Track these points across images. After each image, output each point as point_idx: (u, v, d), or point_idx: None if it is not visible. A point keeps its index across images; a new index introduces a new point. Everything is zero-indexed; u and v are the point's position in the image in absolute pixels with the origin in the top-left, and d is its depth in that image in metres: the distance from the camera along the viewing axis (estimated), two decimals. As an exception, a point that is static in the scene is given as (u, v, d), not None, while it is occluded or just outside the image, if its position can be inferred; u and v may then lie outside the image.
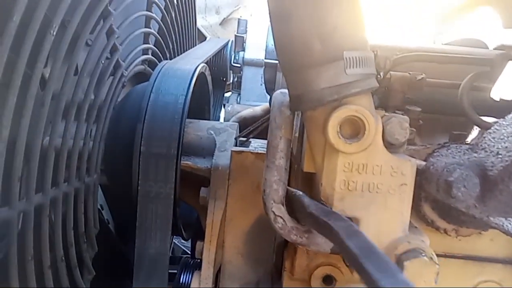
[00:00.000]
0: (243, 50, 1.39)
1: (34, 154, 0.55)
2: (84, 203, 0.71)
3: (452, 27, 1.40)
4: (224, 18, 2.07)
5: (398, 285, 0.33)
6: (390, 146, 0.56)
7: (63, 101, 0.62)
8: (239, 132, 0.98)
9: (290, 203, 0.60)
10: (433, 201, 0.62)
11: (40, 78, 0.54)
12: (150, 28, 1.02)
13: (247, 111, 1.17)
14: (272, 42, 1.47)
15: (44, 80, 0.58)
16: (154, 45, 1.06)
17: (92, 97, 0.72)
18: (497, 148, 0.51)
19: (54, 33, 0.56)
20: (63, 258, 0.64)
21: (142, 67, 0.98)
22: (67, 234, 0.66)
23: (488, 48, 1.00)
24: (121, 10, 0.80)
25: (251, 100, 1.31)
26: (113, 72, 0.81)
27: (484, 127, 0.67)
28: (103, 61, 0.74)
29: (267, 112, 1.13)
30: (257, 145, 0.90)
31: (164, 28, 1.12)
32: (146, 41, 1.01)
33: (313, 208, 0.54)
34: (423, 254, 0.49)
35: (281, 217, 0.58)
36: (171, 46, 1.18)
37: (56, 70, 0.58)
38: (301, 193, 0.61)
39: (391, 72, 0.74)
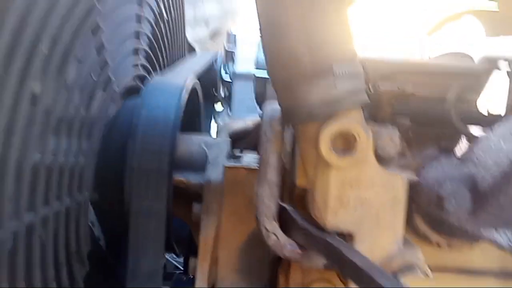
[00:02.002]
0: (233, 63, 1.39)
1: (25, 171, 0.54)
2: (76, 221, 0.70)
3: (437, 41, 1.42)
4: (214, 32, 2.09)
5: None
6: (381, 160, 0.57)
7: (54, 117, 0.61)
8: (231, 145, 0.97)
9: (282, 218, 0.61)
10: (425, 214, 0.62)
11: (30, 94, 0.54)
12: (140, 42, 1.02)
13: (238, 125, 1.17)
14: (262, 56, 1.48)
15: (34, 96, 0.57)
16: (145, 59, 1.06)
17: (84, 113, 0.72)
18: (487, 162, 0.52)
19: (45, 50, 0.55)
20: (54, 277, 0.63)
21: (133, 82, 0.97)
22: (59, 253, 0.64)
23: (473, 61, 1.03)
24: (111, 25, 0.80)
25: (242, 114, 1.31)
26: (104, 88, 0.80)
27: (473, 138, 0.68)
28: (94, 77, 0.74)
29: (259, 125, 1.13)
30: (249, 160, 0.90)
31: (155, 43, 1.13)
32: (136, 56, 1.01)
33: (305, 225, 0.54)
34: (418, 270, 0.50)
35: (273, 233, 0.58)
36: (161, 61, 1.18)
37: (47, 86, 0.58)
38: (292, 208, 0.61)
39: (380, 85, 0.76)
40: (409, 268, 0.49)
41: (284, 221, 0.60)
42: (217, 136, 1.27)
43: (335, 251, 0.42)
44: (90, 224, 0.85)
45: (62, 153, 0.64)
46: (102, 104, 0.79)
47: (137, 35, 1.01)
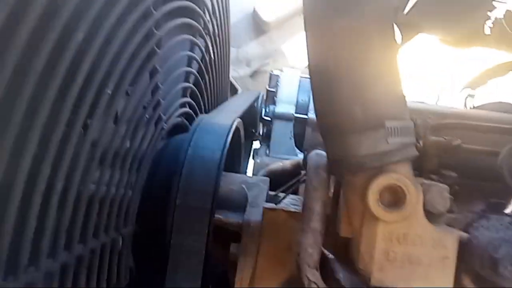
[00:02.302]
0: (274, 104, 1.42)
1: (82, 202, 0.56)
2: (119, 255, 0.72)
3: (482, 90, 1.40)
4: (255, 71, 2.15)
5: None
6: (429, 215, 0.55)
7: (109, 151, 0.64)
8: (270, 185, 0.98)
9: (323, 265, 0.60)
10: (475, 276, 0.60)
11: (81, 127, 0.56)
12: (189, 82, 1.07)
13: (276, 165, 1.18)
14: (303, 98, 1.51)
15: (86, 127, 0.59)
16: (191, 98, 1.10)
17: (136, 147, 0.75)
18: (544, 225, 0.50)
19: (109, 91, 0.59)
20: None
21: (179, 119, 1.01)
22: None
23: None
24: (166, 67, 0.84)
25: (280, 153, 1.32)
26: (155, 125, 0.84)
27: (526, 198, 0.66)
28: (147, 116, 0.78)
29: (297, 167, 1.14)
30: (288, 201, 0.90)
31: (201, 81, 1.17)
32: (185, 95, 1.05)
33: (342, 276, 0.53)
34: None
35: (315, 283, 0.58)
36: (206, 99, 1.22)
37: (97, 120, 0.59)
38: (332, 257, 0.60)
39: (429, 137, 0.75)
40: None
41: (325, 269, 0.59)
42: (253, 174, 1.28)
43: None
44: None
45: (113, 185, 0.67)
46: (152, 140, 0.82)
47: (187, 75, 1.05)
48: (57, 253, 0.52)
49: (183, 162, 0.80)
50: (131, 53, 0.64)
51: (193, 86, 1.10)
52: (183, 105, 1.04)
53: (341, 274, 0.55)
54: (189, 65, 1.06)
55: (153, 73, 0.77)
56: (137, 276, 0.91)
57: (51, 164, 0.47)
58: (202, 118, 0.93)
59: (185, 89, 1.05)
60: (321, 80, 0.57)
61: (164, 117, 0.87)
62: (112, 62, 0.58)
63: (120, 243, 0.71)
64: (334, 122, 0.56)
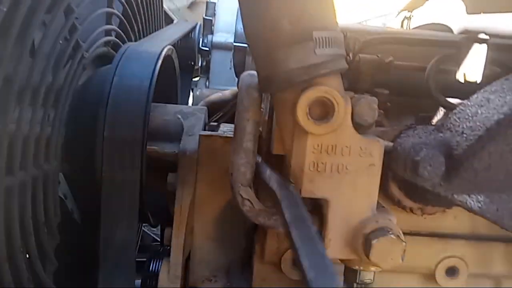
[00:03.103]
0: (212, 33, 1.35)
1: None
2: (44, 192, 0.67)
3: (418, 13, 1.41)
4: (192, 1, 2.02)
5: (316, 254, 0.33)
6: (359, 127, 0.56)
7: (17, 84, 0.58)
8: (208, 117, 0.95)
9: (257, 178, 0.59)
10: (400, 181, 0.62)
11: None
12: (113, 8, 0.97)
13: (216, 95, 1.14)
14: (242, 26, 1.45)
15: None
16: (118, 27, 1.01)
17: (50, 80, 0.68)
18: (462, 127, 0.52)
19: (5, 9, 0.52)
20: (22, 249, 0.61)
21: (105, 49, 0.93)
22: (25, 224, 0.62)
23: (453, 33, 1.03)
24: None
25: (220, 85, 1.28)
26: (72, 54, 0.76)
27: (450, 108, 0.68)
28: (61, 41, 0.70)
29: (236, 95, 1.11)
30: (226, 129, 0.89)
31: (129, 9, 1.08)
32: (108, 22, 0.96)
33: (269, 177, 0.54)
34: (390, 233, 0.50)
35: (248, 200, 0.58)
36: (136, 29, 1.13)
37: (7, 51, 0.54)
38: (265, 165, 0.59)
39: (360, 55, 0.75)
40: (382, 231, 0.50)
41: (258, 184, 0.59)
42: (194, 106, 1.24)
43: (278, 205, 0.42)
44: (63, 197, 0.83)
45: (26, 122, 0.61)
46: (70, 71, 0.75)
47: (110, 0, 0.96)
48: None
49: (109, 92, 0.74)
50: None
51: (118, 13, 1.01)
52: (108, 33, 0.95)
53: (268, 172, 0.55)
54: (110, -13, 0.96)
55: (61, -10, 0.68)
56: (80, 216, 0.88)
57: None
58: (128, 46, 0.86)
59: (109, 15, 0.96)
60: None
61: (83, 45, 0.79)
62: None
63: (43, 180, 0.67)
64: (263, 39, 0.53)
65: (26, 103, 0.61)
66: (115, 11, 0.99)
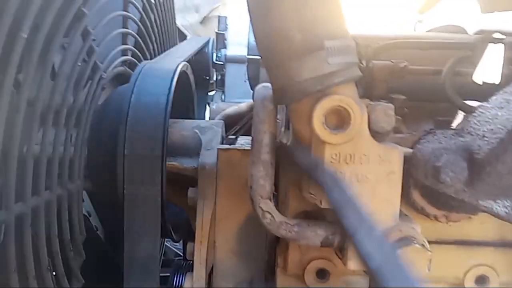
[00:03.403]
0: (225, 47, 1.37)
1: (11, 163, 0.53)
2: (68, 210, 0.69)
3: (431, 15, 1.40)
4: (205, 17, 2.06)
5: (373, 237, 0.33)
6: (376, 134, 0.55)
7: (40, 107, 0.60)
8: (225, 130, 0.96)
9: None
10: (422, 188, 0.61)
11: (13, 84, 0.52)
12: (128, 28, 1.00)
13: (232, 109, 1.15)
14: (254, 38, 1.45)
15: (19, 85, 0.56)
16: (133, 46, 1.04)
17: (71, 101, 0.70)
18: (483, 131, 0.51)
19: (25, 35, 0.54)
20: (49, 267, 0.62)
21: (122, 68, 0.96)
22: (52, 243, 0.64)
23: (467, 33, 1.01)
24: (96, 10, 0.77)
25: (235, 98, 1.29)
26: (91, 75, 0.78)
27: (469, 111, 0.67)
28: (79, 64, 0.72)
29: (252, 108, 1.11)
30: (244, 142, 0.89)
31: (143, 29, 1.10)
32: (124, 42, 0.99)
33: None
34: (415, 242, 0.49)
35: (269, 213, 0.58)
36: (151, 47, 1.16)
37: (29, 75, 0.56)
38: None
39: (373, 62, 0.74)
40: (405, 240, 0.49)
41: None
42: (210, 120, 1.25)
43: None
44: (87, 214, 0.84)
45: (49, 142, 0.63)
46: (89, 91, 0.77)
47: (124, 20, 0.98)
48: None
49: (128, 111, 0.76)
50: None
51: (133, 33, 1.03)
52: (124, 52, 0.98)
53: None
54: (125, 10, 0.99)
55: (79, 16, 0.70)
56: (104, 233, 0.90)
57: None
58: (144, 64, 0.88)
59: (124, 36, 0.98)
60: (258, 9, 0.54)
61: (101, 65, 0.81)
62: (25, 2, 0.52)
63: (67, 199, 0.68)
64: (275, 50, 0.54)
65: (49, 125, 0.63)
66: (130, 31, 1.01)
